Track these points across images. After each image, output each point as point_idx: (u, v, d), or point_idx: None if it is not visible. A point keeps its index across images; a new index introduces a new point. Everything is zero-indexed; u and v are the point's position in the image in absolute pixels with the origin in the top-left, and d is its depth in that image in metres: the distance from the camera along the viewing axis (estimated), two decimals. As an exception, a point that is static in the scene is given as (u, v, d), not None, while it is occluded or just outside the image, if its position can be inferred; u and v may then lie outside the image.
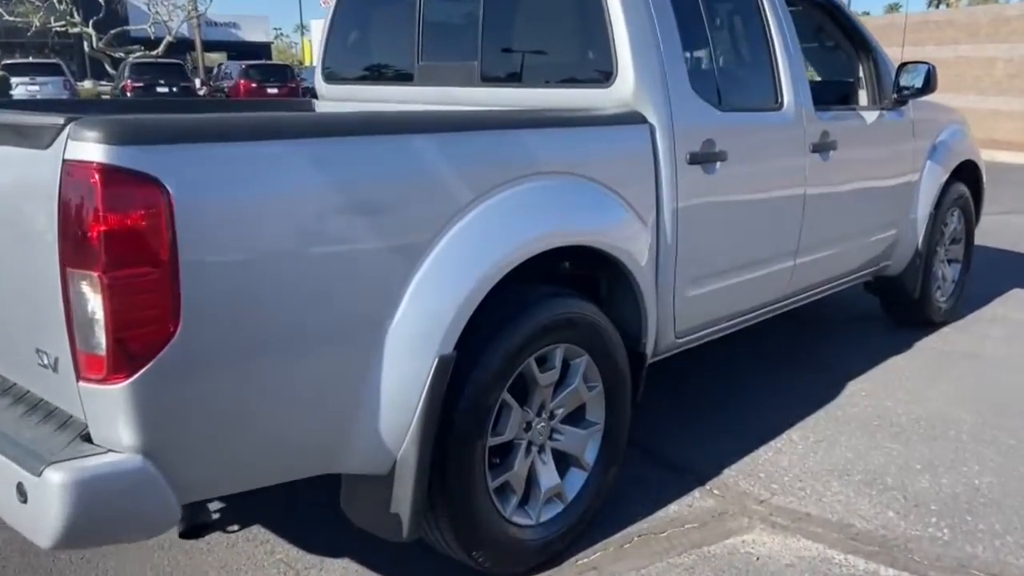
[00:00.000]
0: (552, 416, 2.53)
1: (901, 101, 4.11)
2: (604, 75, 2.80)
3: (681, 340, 3.07)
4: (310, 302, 1.87)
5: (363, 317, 1.97)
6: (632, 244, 2.64)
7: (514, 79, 3.10)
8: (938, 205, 4.52)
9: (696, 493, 2.97)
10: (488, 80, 3.14)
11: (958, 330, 4.82)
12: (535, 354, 2.39)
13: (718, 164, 2.96)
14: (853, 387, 3.92)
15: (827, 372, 4.10)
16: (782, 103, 3.34)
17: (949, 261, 4.92)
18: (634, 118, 2.72)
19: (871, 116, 3.93)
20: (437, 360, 2.07)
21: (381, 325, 2.01)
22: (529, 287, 2.42)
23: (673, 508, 2.87)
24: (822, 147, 3.51)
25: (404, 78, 3.46)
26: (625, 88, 2.75)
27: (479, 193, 2.17)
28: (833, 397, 3.80)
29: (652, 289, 2.77)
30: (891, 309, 4.81)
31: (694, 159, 2.85)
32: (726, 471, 3.12)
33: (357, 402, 2.01)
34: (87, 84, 32.47)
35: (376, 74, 3.61)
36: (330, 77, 3.76)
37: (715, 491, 2.99)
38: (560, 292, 2.46)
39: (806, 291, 3.78)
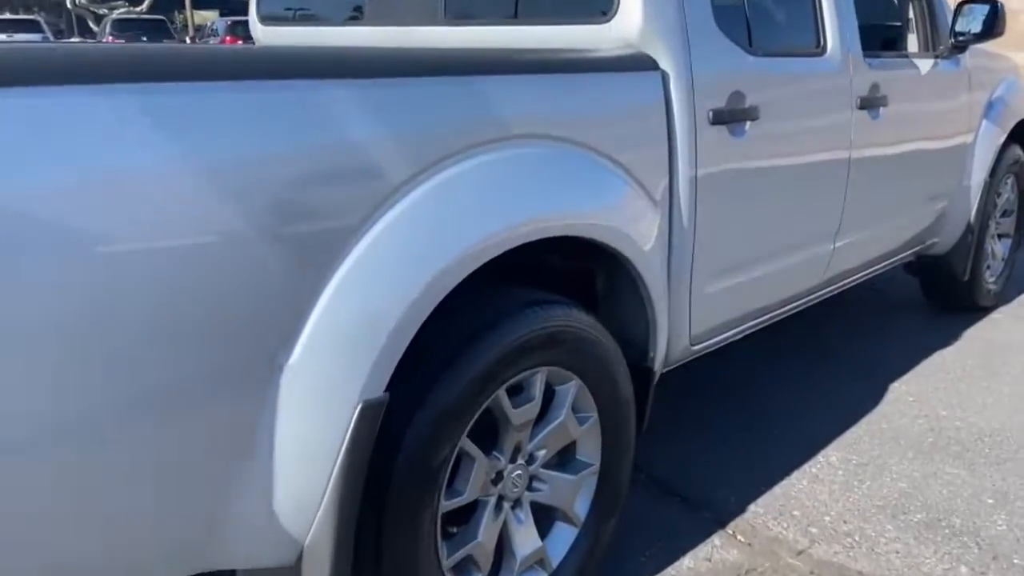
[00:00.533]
0: (531, 460, 1.91)
1: (958, 47, 3.44)
2: (602, 7, 2.13)
3: (697, 347, 2.44)
4: (151, 336, 1.23)
5: (243, 353, 1.33)
6: (637, 231, 1.99)
7: (487, 15, 2.43)
8: (993, 171, 3.86)
9: (716, 540, 2.36)
10: (454, 17, 2.47)
11: (1009, 316, 4.19)
12: (506, 384, 1.76)
13: (748, 124, 2.30)
14: (897, 391, 3.30)
15: (864, 372, 3.48)
16: (825, 47, 2.67)
17: (999, 236, 4.27)
18: (641, 63, 2.06)
19: (925, 65, 3.25)
20: (360, 407, 1.44)
21: (271, 363, 1.37)
22: (496, 293, 1.79)
23: (687, 563, 2.26)
24: (871, 102, 2.85)
25: (353, 17, 2.79)
26: (630, 23, 2.09)
27: (421, 168, 1.52)
28: (874, 405, 3.18)
29: (663, 287, 2.13)
30: (933, 293, 4.18)
31: (718, 117, 2.20)
32: (752, 508, 2.50)
33: (236, 476, 1.38)
34: (74, 41, 31.53)
35: (320, 13, 2.93)
36: (267, 18, 3.08)
37: (740, 537, 2.38)
38: (540, 299, 1.82)
39: (844, 278, 3.14)
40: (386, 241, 1.46)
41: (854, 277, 3.23)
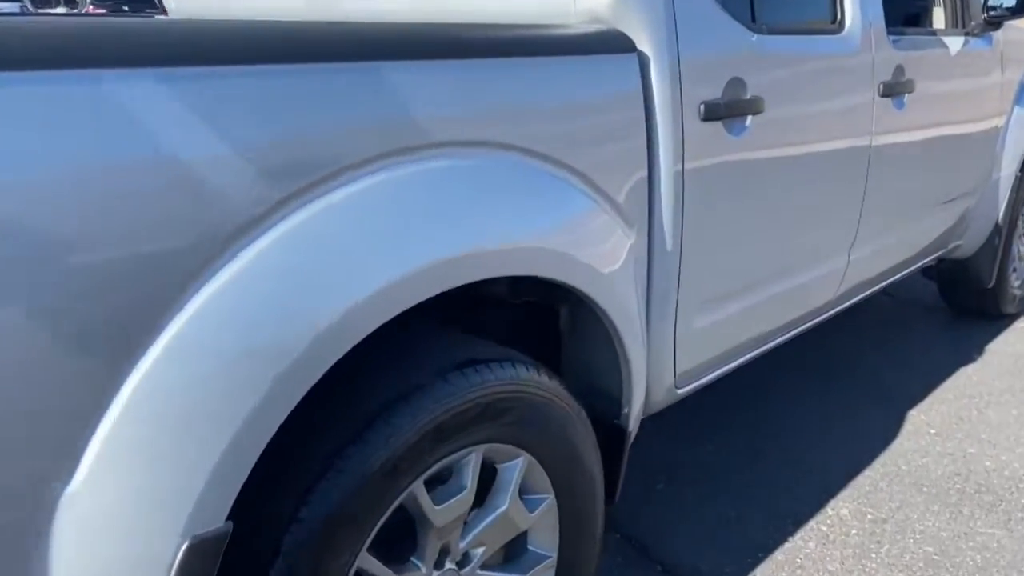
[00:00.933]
0: (465, 561, 1.48)
1: (992, 23, 2.97)
2: (564, -30, 1.68)
3: (684, 389, 2.00)
4: None
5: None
6: (604, 261, 1.55)
7: (427, -20, 1.97)
8: (1024, 164, 3.42)
9: (704, 627, 1.94)
10: (389, -17, 2.01)
11: (1036, 324, 3.76)
12: (424, 474, 1.32)
13: (749, 119, 1.85)
14: (916, 421, 2.87)
15: (876, 395, 3.04)
16: (843, 22, 2.21)
17: (1026, 235, 3.83)
18: (612, 43, 1.60)
19: (954, 43, 2.79)
20: (186, 546, 1.00)
21: (44, 490, 0.93)
22: (411, 352, 1.34)
23: (669, 661, 1.85)
24: (895, 88, 2.39)
25: (275, -18, 2.32)
26: (598, -9, 1.63)
27: (286, 194, 1.07)
28: (891, 439, 2.75)
29: (639, 328, 1.69)
30: (953, 298, 3.74)
31: (712, 111, 1.74)
32: (749, 581, 2.09)
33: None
34: (60, 11, 30.88)
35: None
36: (182, -16, 2.60)
37: (733, 623, 1.96)
38: (473, 357, 1.38)
39: (859, 291, 2.70)
40: (229, 302, 1.01)
41: (870, 289, 2.79)
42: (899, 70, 2.41)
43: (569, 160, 1.47)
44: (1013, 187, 3.36)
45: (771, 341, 2.31)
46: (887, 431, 2.79)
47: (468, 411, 1.33)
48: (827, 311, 2.54)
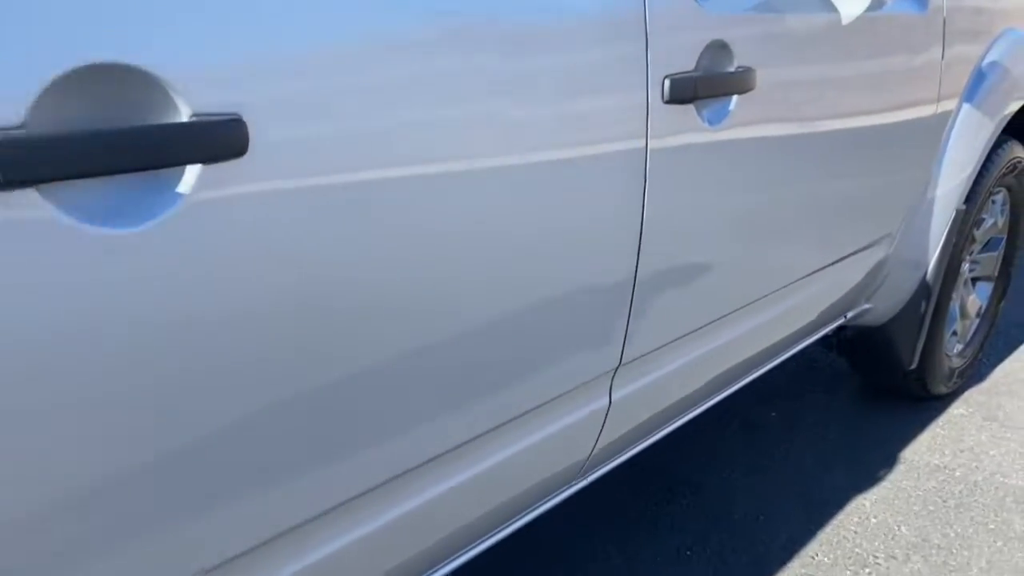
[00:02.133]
0: None
1: (924, -27, 1.83)
2: None
3: None
4: None
5: None
6: None
7: None
8: (974, 187, 2.30)
9: None
10: None
11: (984, 411, 2.64)
12: None
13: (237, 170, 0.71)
14: (760, 619, 1.79)
15: (708, 561, 1.95)
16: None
17: (974, 280, 2.72)
18: None
19: (852, 6, 1.63)
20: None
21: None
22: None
23: None
24: (701, 87, 1.24)
25: None
26: None
27: None
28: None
29: None
30: (867, 374, 2.65)
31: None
32: None
33: None
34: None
35: None
36: None
37: None
38: None
39: (653, 427, 1.60)
40: None
41: (676, 420, 1.69)
42: (717, 52, 1.27)
43: None
44: (954, 225, 2.24)
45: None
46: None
47: None
48: (571, 487, 1.44)
